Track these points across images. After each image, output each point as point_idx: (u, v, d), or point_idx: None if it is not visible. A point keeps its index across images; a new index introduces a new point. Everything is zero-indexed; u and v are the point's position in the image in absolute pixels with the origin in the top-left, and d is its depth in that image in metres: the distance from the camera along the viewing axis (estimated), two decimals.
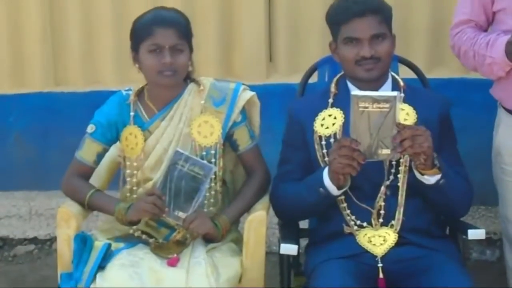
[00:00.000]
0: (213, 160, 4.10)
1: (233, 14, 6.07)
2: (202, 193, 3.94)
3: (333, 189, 3.79)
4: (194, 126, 4.12)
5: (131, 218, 4.02)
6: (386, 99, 3.54)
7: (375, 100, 3.55)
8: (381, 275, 3.73)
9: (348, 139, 3.64)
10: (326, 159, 3.87)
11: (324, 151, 3.93)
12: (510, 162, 4.16)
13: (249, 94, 4.27)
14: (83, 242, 3.97)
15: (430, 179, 3.76)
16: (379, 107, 3.55)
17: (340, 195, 3.85)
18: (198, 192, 3.92)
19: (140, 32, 4.09)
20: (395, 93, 3.60)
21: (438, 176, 3.75)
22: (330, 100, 4.04)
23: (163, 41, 4.01)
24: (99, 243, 3.99)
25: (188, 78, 4.22)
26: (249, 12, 5.98)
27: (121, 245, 4.02)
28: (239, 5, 6.02)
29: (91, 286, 3.77)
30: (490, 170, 4.30)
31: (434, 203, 3.88)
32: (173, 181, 3.92)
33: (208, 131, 4.12)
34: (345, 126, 3.84)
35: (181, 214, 3.94)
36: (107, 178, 4.44)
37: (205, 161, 3.99)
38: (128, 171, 4.21)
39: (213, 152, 4.12)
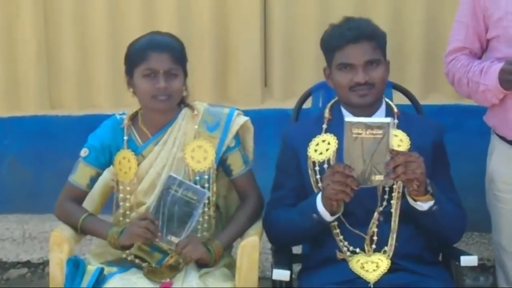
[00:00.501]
0: (206, 185, 4.10)
1: (228, 39, 6.08)
2: (195, 218, 3.95)
3: (326, 215, 3.80)
4: (187, 151, 4.12)
5: (124, 242, 4.02)
6: (380, 126, 3.56)
7: (369, 126, 3.56)
8: None
9: (341, 165, 3.65)
10: (320, 185, 3.88)
11: (318, 176, 3.94)
12: (503, 189, 4.17)
13: (243, 119, 4.27)
14: (75, 266, 3.95)
15: (423, 205, 3.76)
16: (373, 134, 3.56)
17: (333, 221, 3.85)
18: (191, 217, 3.93)
19: (135, 56, 4.10)
20: (388, 120, 3.62)
21: (431, 203, 3.76)
22: (324, 126, 4.05)
23: (158, 65, 4.02)
24: (92, 267, 3.98)
25: (182, 102, 4.22)
26: (244, 37, 5.98)
27: (114, 269, 4.02)
28: (235, 30, 6.02)
29: None
30: (484, 196, 4.30)
31: (427, 229, 3.89)
32: (166, 206, 3.93)
33: (201, 156, 4.12)
34: (339, 152, 3.84)
35: (174, 239, 3.94)
36: (100, 202, 4.43)
37: (198, 186, 4.00)
38: (121, 195, 4.21)
39: (206, 177, 4.12)
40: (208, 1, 6.00)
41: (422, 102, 4.72)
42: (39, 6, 6.01)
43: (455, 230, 4.00)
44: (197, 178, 4.10)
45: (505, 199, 4.18)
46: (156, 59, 4.03)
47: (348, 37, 3.93)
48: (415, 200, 3.77)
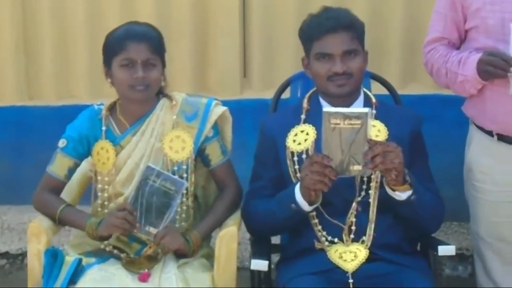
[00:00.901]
0: (184, 175, 4.11)
1: (208, 30, 6.06)
2: (173, 208, 3.95)
3: (304, 205, 3.80)
4: (166, 141, 4.12)
5: (102, 233, 4.01)
6: (358, 116, 3.57)
7: (347, 116, 3.58)
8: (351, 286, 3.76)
9: (320, 155, 3.66)
10: (298, 175, 3.88)
11: (296, 167, 3.95)
12: (481, 179, 4.19)
13: (221, 109, 4.27)
14: (53, 257, 3.95)
15: (401, 195, 3.78)
16: (351, 124, 3.57)
17: (311, 211, 3.86)
18: (170, 207, 3.93)
19: (113, 46, 4.09)
20: (366, 110, 3.62)
21: (409, 192, 3.78)
22: (303, 116, 4.06)
23: (136, 55, 4.02)
24: (70, 258, 3.98)
25: (161, 93, 4.22)
26: (224, 28, 5.97)
27: (92, 260, 4.02)
28: (214, 21, 6.01)
29: None
30: (462, 186, 4.32)
31: (405, 219, 3.90)
32: (145, 196, 3.92)
33: (179, 146, 4.12)
34: (317, 142, 3.86)
35: (152, 230, 3.94)
36: (79, 192, 4.42)
37: (176, 177, 4.00)
38: (99, 185, 4.21)
39: (184, 167, 4.13)
40: None
41: (400, 92, 4.76)
42: None
43: (433, 220, 4.02)
44: (175, 168, 4.10)
45: (483, 189, 4.19)
46: (134, 49, 4.02)
47: (326, 27, 3.93)
48: (393, 190, 3.78)
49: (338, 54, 3.92)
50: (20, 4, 6.07)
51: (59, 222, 4.16)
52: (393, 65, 5.86)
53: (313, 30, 4.00)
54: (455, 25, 4.15)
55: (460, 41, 4.17)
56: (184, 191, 4.02)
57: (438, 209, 4.01)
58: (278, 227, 4.07)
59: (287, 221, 3.93)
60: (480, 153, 4.20)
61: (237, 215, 4.20)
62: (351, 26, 3.99)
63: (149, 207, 3.93)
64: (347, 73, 3.93)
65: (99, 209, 4.20)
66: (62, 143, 4.19)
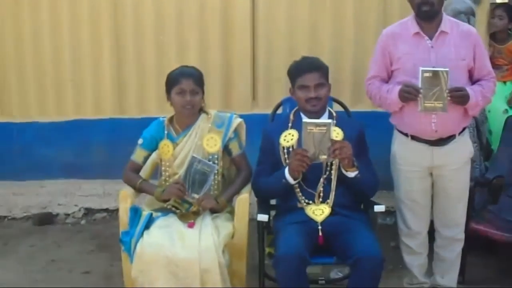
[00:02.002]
0: (216, 162, 4.08)
1: (230, 70, 6.05)
2: (209, 182, 3.96)
3: (291, 180, 3.81)
4: (204, 140, 4.10)
5: (165, 197, 4.03)
6: (324, 124, 3.64)
7: (317, 124, 3.65)
8: (320, 234, 3.75)
9: (300, 149, 3.70)
10: (287, 161, 3.87)
11: (286, 156, 3.92)
12: (401, 163, 4.16)
13: (239, 120, 4.25)
14: (135, 212, 3.99)
15: (351, 174, 3.80)
16: (320, 129, 3.63)
17: (295, 184, 3.85)
18: (206, 182, 3.94)
19: (172, 81, 4.09)
20: (329, 120, 3.71)
21: (356, 172, 3.79)
22: (290, 124, 4.03)
23: (186, 87, 4.02)
24: (145, 213, 3.99)
25: (201, 110, 4.19)
26: (240, 68, 5.98)
27: (159, 214, 4.02)
28: (233, 64, 6.01)
29: (140, 239, 3.79)
30: (389, 168, 4.29)
31: (354, 189, 3.89)
32: (191, 175, 3.94)
33: (213, 144, 4.10)
34: (299, 141, 3.83)
35: (196, 196, 3.95)
36: (150, 172, 4.38)
37: (211, 162, 3.99)
38: (163, 168, 4.19)
39: (216, 156, 4.10)
40: (218, 45, 6.00)
41: (351, 109, 4.72)
42: None
43: (371, 189, 4.00)
44: (210, 157, 4.07)
45: (401, 169, 4.16)
46: (185, 83, 4.03)
47: (305, 69, 3.95)
48: (346, 171, 3.79)
49: (312, 86, 3.92)
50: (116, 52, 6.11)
51: (138, 190, 4.17)
52: (346, 92, 5.84)
53: (296, 71, 4.00)
54: (385, 67, 4.10)
55: (388, 77, 4.12)
56: (215, 172, 4.01)
57: (374, 182, 3.99)
58: (274, 193, 4.06)
59: (280, 190, 3.91)
60: (400, 147, 4.16)
61: (248, 187, 4.17)
62: (320, 68, 3.99)
63: (194, 182, 3.93)
64: (318, 98, 3.93)
65: (163, 182, 4.17)
66: (140, 141, 4.19)
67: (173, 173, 4.15)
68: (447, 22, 4.02)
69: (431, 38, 3.97)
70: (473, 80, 4.05)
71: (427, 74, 3.77)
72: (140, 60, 6.12)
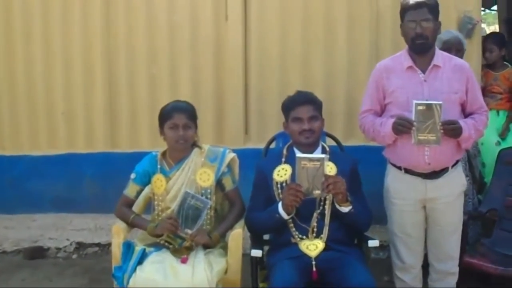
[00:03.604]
0: (209, 196, 4.08)
1: (222, 105, 6.11)
2: (202, 218, 3.94)
3: (284, 215, 3.80)
4: (197, 175, 4.09)
5: (158, 232, 4.01)
6: (318, 159, 3.66)
7: (311, 159, 3.66)
8: (314, 269, 3.72)
9: (294, 184, 3.71)
10: (281, 196, 3.86)
11: (279, 191, 3.92)
12: (395, 197, 4.16)
13: (232, 155, 4.26)
14: (128, 247, 3.99)
15: (345, 209, 3.80)
16: (313, 164, 3.64)
17: (288, 219, 3.84)
18: (200, 217, 3.93)
19: (164, 116, 4.10)
20: (323, 156, 3.71)
21: (350, 207, 3.79)
22: (283, 159, 4.03)
23: (178, 121, 4.03)
24: (138, 248, 3.98)
25: (194, 144, 4.20)
26: (232, 106, 6.04)
27: (152, 249, 4.00)
28: (226, 99, 6.07)
29: (133, 274, 3.76)
30: (382, 202, 4.30)
31: (347, 224, 3.88)
32: (184, 210, 3.93)
33: (206, 178, 4.10)
34: (292, 175, 3.84)
35: (189, 231, 3.93)
36: (143, 206, 4.37)
37: (204, 197, 3.99)
38: (156, 202, 4.18)
39: (209, 191, 4.10)
40: (211, 79, 6.05)
41: (344, 143, 4.74)
42: None
43: (365, 223, 3.99)
44: (203, 191, 4.07)
45: (395, 202, 4.16)
46: (177, 118, 4.04)
47: (298, 101, 3.99)
48: (340, 205, 3.80)
49: (306, 118, 3.95)
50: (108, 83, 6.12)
51: (131, 225, 4.15)
52: (339, 127, 5.88)
53: (290, 104, 4.03)
54: (378, 101, 4.13)
55: (382, 111, 4.14)
56: (209, 207, 4.00)
57: (368, 216, 3.99)
58: (267, 229, 4.04)
59: (273, 225, 3.90)
60: (394, 180, 4.17)
61: (242, 222, 4.16)
62: (313, 102, 4.03)
63: (187, 217, 3.92)
64: (311, 130, 3.94)
65: (156, 217, 4.16)
66: (133, 175, 4.19)
67: (166, 207, 4.14)
68: (440, 56, 4.06)
69: (424, 72, 4.00)
70: (465, 114, 4.08)
71: (420, 107, 3.79)
72: (132, 93, 6.17)
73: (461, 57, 4.90)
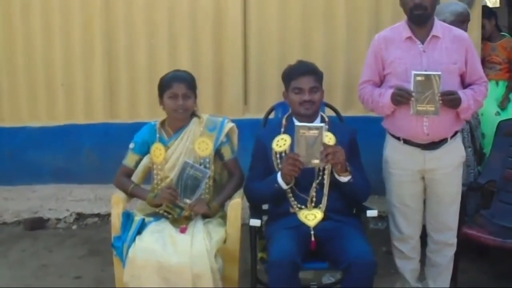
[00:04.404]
0: (207, 165, 4.08)
1: (222, 74, 6.10)
2: (201, 187, 3.95)
3: (283, 185, 3.81)
4: (196, 144, 4.09)
5: (157, 202, 4.02)
6: (316, 128, 3.65)
7: (310, 128, 3.65)
8: (312, 239, 3.74)
9: (293, 154, 3.70)
10: (280, 166, 3.86)
11: (278, 161, 3.91)
12: (393, 167, 4.16)
13: (231, 124, 4.26)
14: (127, 217, 4.00)
15: (344, 178, 3.80)
16: (312, 132, 3.64)
17: (287, 189, 3.85)
18: (199, 187, 3.93)
19: (164, 85, 4.10)
20: (322, 124, 3.71)
21: (349, 177, 3.80)
22: (282, 129, 4.02)
23: (178, 91, 4.03)
24: (137, 218, 3.99)
25: (193, 114, 4.20)
26: (232, 73, 6.03)
27: (151, 219, 4.02)
28: (225, 68, 6.06)
29: (132, 244, 3.79)
30: (381, 172, 4.30)
31: (346, 194, 3.89)
32: (183, 180, 3.93)
33: (204, 147, 4.10)
34: (292, 146, 3.83)
35: (188, 201, 3.94)
36: (142, 176, 4.37)
37: (203, 167, 3.99)
38: (155, 171, 4.17)
39: (207, 160, 4.10)
40: (210, 50, 6.04)
41: (343, 114, 4.71)
42: None
43: (363, 193, 4.00)
44: (202, 161, 4.07)
45: (393, 173, 4.16)
46: (177, 87, 4.04)
47: (300, 71, 3.98)
48: (339, 176, 3.80)
49: (307, 89, 3.93)
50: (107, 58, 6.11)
51: (130, 195, 4.16)
52: (339, 97, 5.90)
53: (291, 73, 4.01)
54: (377, 71, 4.11)
55: (381, 82, 4.13)
56: (207, 177, 4.00)
57: (366, 187, 3.99)
58: (266, 199, 4.05)
59: (272, 195, 3.91)
60: (392, 150, 4.16)
61: (240, 192, 4.16)
62: (315, 72, 4.01)
63: (186, 187, 3.92)
64: (311, 101, 3.93)
65: (155, 186, 4.17)
66: (131, 145, 4.19)
67: (165, 177, 4.14)
68: (439, 26, 4.04)
69: (423, 43, 3.99)
70: (465, 85, 4.07)
71: (419, 78, 3.78)
72: (131, 64, 6.17)
73: (466, 28, 4.92)
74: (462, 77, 4.07)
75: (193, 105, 4.14)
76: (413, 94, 3.82)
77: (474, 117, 4.90)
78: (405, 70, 3.94)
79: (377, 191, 4.29)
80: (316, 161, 3.70)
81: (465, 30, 4.86)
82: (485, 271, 4.90)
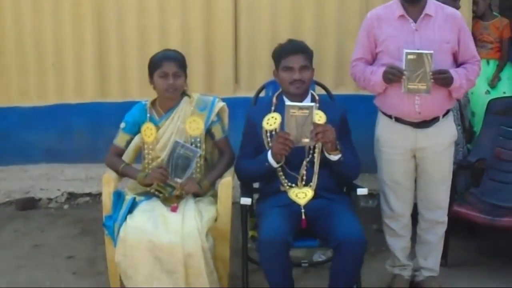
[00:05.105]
0: (198, 145, 4.09)
1: (212, 53, 6.08)
2: (192, 167, 3.98)
3: (273, 163, 3.82)
4: (187, 123, 4.10)
5: (147, 182, 4.04)
6: (307, 107, 3.67)
7: (300, 107, 3.67)
8: (303, 217, 3.77)
9: (283, 132, 3.72)
10: (270, 144, 3.87)
11: (269, 139, 3.93)
12: (385, 145, 4.18)
13: (222, 103, 4.27)
14: (118, 196, 4.04)
15: (334, 157, 3.82)
16: (302, 112, 3.65)
17: (278, 167, 3.86)
18: (189, 166, 3.96)
19: (154, 64, 4.10)
20: (312, 104, 3.75)
21: (339, 155, 3.81)
22: (273, 108, 4.04)
23: (168, 70, 4.03)
24: (128, 197, 4.04)
25: (184, 93, 4.20)
26: (223, 52, 6.01)
27: (142, 198, 4.06)
28: (216, 48, 6.05)
29: (123, 223, 3.83)
30: (372, 151, 4.32)
31: (337, 172, 3.91)
32: (174, 159, 3.96)
33: (195, 127, 4.11)
34: (282, 124, 3.85)
35: (179, 180, 3.97)
36: (133, 156, 4.38)
37: (193, 147, 4.01)
38: (145, 151, 4.19)
39: (198, 139, 4.11)
40: (200, 28, 6.03)
41: (334, 92, 4.69)
42: None
43: (354, 172, 4.02)
44: (192, 140, 4.09)
45: (385, 151, 4.18)
46: (167, 66, 4.04)
47: (290, 50, 3.98)
48: (329, 154, 3.81)
49: (297, 68, 3.93)
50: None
51: (121, 174, 4.17)
52: (329, 75, 5.87)
53: (282, 52, 4.01)
54: (369, 49, 4.12)
55: (373, 60, 4.14)
56: (198, 156, 4.01)
57: (357, 165, 4.01)
58: (257, 177, 4.07)
59: (263, 173, 3.92)
60: (384, 129, 4.19)
61: (231, 170, 4.19)
62: (305, 51, 4.02)
63: (176, 166, 3.95)
64: (301, 80, 3.94)
65: (146, 166, 4.19)
66: (122, 125, 4.20)
67: (156, 157, 4.16)
68: (432, 5, 4.04)
69: (415, 21, 4.00)
70: (457, 63, 4.08)
71: (411, 56, 3.80)
72: (122, 44, 6.14)
73: (459, 6, 4.97)
74: (454, 55, 4.08)
75: (183, 84, 4.14)
76: (405, 72, 3.83)
77: (464, 95, 4.88)
78: (397, 48, 3.95)
79: (368, 169, 4.30)
80: (306, 140, 3.71)
81: (458, 8, 4.89)
82: (475, 248, 4.95)
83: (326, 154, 3.84)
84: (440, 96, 3.99)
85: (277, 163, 3.83)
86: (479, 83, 5.44)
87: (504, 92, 5.87)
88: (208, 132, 4.20)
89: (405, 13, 4.01)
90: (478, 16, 6.07)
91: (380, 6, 4.22)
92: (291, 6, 5.94)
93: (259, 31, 5.94)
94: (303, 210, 3.79)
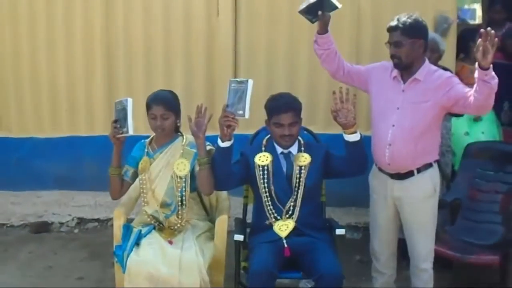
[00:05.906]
0: (184, 184, 4.33)
1: (214, 94, 6.25)
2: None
3: (221, 143, 4.10)
4: (175, 165, 4.32)
5: (110, 137, 4.36)
6: (243, 81, 4.01)
7: (239, 82, 4.02)
8: (286, 245, 4.09)
9: (225, 108, 4.05)
10: (262, 178, 4.25)
11: (261, 173, 4.26)
12: (372, 190, 4.41)
13: (209, 147, 4.37)
14: (127, 229, 4.28)
15: (355, 137, 4.14)
16: (239, 86, 4.01)
17: (226, 146, 4.12)
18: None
19: (146, 106, 4.36)
20: (249, 80, 4.01)
21: (358, 135, 4.14)
22: (263, 148, 4.34)
23: (156, 112, 4.29)
24: (135, 229, 4.26)
25: (177, 130, 4.46)
26: (223, 93, 5.68)
27: (146, 228, 4.28)
28: (217, 88, 6.22)
29: (131, 253, 4.06)
30: (361, 187, 4.50)
31: (353, 157, 4.19)
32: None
33: (182, 168, 4.32)
34: (273, 162, 4.26)
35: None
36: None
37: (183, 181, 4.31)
38: (141, 182, 4.44)
39: (183, 180, 4.34)
40: (202, 70, 6.27)
41: (325, 131, 5.11)
42: None
43: (365, 160, 4.26)
44: (178, 180, 4.34)
45: (371, 195, 4.40)
46: (155, 109, 4.30)
47: (280, 108, 4.22)
48: (349, 134, 4.14)
49: (286, 125, 4.21)
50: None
51: (109, 176, 4.42)
52: (321, 115, 6.06)
53: (273, 109, 4.27)
54: (357, 72, 4.50)
55: (344, 74, 4.52)
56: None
57: (367, 156, 4.26)
58: (218, 166, 4.21)
59: (219, 159, 4.18)
60: (372, 175, 4.38)
61: (227, 207, 4.54)
62: (295, 108, 4.27)
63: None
64: (290, 135, 4.24)
65: (144, 201, 4.45)
66: (124, 169, 4.46)
67: (151, 189, 4.37)
68: (424, 70, 4.17)
69: (405, 83, 4.19)
70: (464, 102, 4.05)
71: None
72: (130, 83, 6.33)
73: (438, 58, 5.13)
74: (454, 104, 4.10)
75: (172, 124, 4.35)
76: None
77: (442, 144, 5.00)
78: (383, 101, 4.24)
79: (354, 203, 4.45)
80: (241, 112, 3.96)
81: (437, 59, 5.09)
82: (447, 280, 5.03)
83: (345, 137, 4.13)
84: (409, 150, 4.11)
85: (223, 142, 4.09)
86: (459, 125, 5.68)
87: (483, 132, 5.93)
88: (193, 170, 4.34)
89: (398, 75, 4.20)
90: (472, 58, 6.13)
91: (389, 62, 4.31)
92: (287, 53, 6.14)
93: (257, 75, 5.86)
94: (284, 241, 4.09)
